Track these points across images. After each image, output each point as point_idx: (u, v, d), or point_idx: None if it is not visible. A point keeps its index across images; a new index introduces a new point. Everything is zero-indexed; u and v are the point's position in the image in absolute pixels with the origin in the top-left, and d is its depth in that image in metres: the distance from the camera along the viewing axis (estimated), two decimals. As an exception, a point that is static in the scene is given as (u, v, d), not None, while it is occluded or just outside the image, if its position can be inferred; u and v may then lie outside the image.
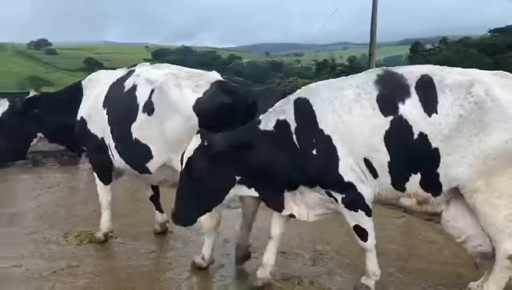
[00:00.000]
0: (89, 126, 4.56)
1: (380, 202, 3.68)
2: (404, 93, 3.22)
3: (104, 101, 4.46)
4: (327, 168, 3.32)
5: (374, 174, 3.32)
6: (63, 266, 4.23)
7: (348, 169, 3.30)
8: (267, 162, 3.44)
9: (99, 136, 4.49)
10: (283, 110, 3.49)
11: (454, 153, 3.11)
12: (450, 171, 3.14)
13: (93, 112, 4.53)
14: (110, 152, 4.45)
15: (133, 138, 4.12)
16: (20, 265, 4.23)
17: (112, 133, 4.34)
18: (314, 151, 3.33)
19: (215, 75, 4.14)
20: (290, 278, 4.02)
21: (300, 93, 3.55)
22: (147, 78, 4.19)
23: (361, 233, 3.48)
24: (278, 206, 3.64)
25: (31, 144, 4.94)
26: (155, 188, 5.03)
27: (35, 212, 5.95)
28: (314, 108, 3.37)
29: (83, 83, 4.83)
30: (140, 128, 4.07)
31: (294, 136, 3.39)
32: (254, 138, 3.47)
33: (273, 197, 3.61)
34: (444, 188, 3.23)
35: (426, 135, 3.14)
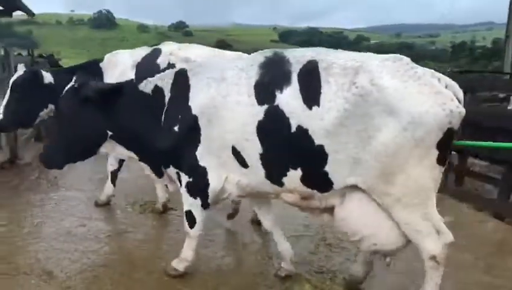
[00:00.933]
0: None
1: (260, 195, 3.40)
2: (284, 81, 2.86)
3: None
4: (184, 148, 3.19)
5: (243, 164, 3.08)
6: (118, 231, 4.57)
7: (206, 154, 3.16)
8: (138, 125, 3.36)
9: None
10: (163, 78, 3.36)
11: (344, 151, 2.75)
12: (341, 169, 2.80)
13: None
14: None
15: None
16: (84, 225, 4.67)
17: None
18: (175, 128, 3.20)
19: None
20: (324, 272, 3.78)
21: (186, 65, 3.44)
22: (185, 57, 4.30)
23: (191, 220, 3.44)
24: (157, 173, 3.59)
25: (40, 114, 4.89)
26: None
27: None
28: (190, 83, 3.20)
29: (102, 64, 4.88)
30: None
31: (166, 107, 3.29)
32: (129, 95, 3.40)
33: (151, 162, 3.54)
34: (337, 186, 2.89)
35: (306, 129, 2.79)
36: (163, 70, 4.33)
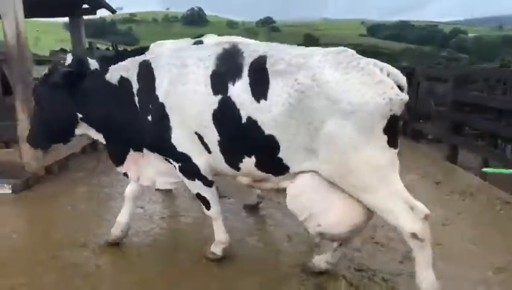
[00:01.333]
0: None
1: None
2: (236, 74, 3.02)
3: None
4: (160, 136, 3.32)
5: (208, 149, 3.27)
6: (171, 214, 4.82)
7: (181, 140, 3.29)
8: (104, 111, 3.54)
9: None
10: (128, 69, 3.47)
11: (296, 141, 2.92)
12: (296, 156, 2.97)
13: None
14: None
15: None
16: (142, 207, 4.97)
17: None
18: (149, 117, 3.34)
19: None
20: (363, 270, 3.64)
21: (150, 54, 3.60)
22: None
23: (203, 201, 3.60)
24: (116, 161, 3.77)
25: None
26: None
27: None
28: (154, 73, 3.34)
29: (147, 53, 4.86)
30: None
31: (136, 98, 3.41)
32: (96, 83, 3.59)
33: (114, 149, 3.73)
34: (292, 170, 3.05)
35: (256, 121, 2.96)
36: None
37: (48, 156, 6.26)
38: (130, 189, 4.00)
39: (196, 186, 3.52)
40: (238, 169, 3.25)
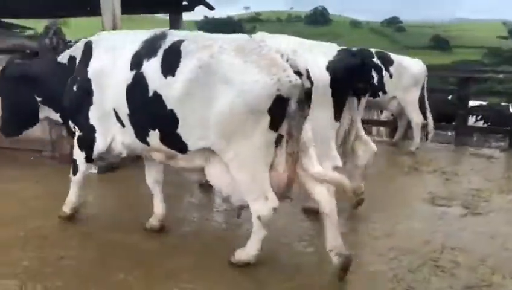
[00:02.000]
0: None
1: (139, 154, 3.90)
2: (152, 54, 3.36)
3: None
4: (79, 106, 3.80)
5: (122, 124, 3.64)
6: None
7: (96, 114, 3.77)
8: (55, 89, 3.98)
9: None
10: (76, 49, 3.98)
11: (192, 116, 3.20)
12: (192, 133, 3.26)
13: None
14: None
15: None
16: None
17: None
18: (75, 88, 3.81)
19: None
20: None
21: (95, 37, 3.95)
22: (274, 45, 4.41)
23: (74, 167, 4.10)
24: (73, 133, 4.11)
25: None
26: None
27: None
28: (92, 52, 3.78)
29: None
30: None
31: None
32: (50, 66, 4.16)
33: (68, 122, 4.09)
34: (191, 148, 3.35)
35: (160, 95, 3.28)
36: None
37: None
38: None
39: (78, 155, 4.04)
40: (147, 143, 3.56)
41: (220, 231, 4.42)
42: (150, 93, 3.33)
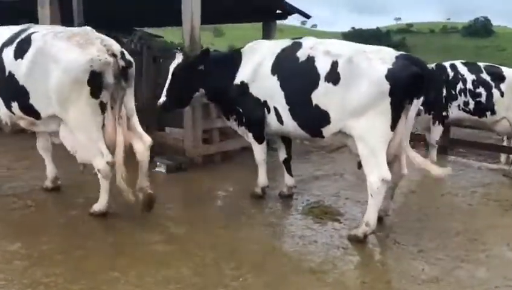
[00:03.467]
0: (251, 90, 4.91)
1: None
2: (10, 43, 4.41)
3: (272, 69, 4.74)
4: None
5: None
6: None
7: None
8: None
9: (262, 99, 4.86)
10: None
11: (38, 90, 4.24)
12: (41, 103, 4.28)
13: (258, 77, 4.85)
14: (273, 115, 4.81)
15: (313, 104, 4.40)
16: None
17: (285, 97, 4.64)
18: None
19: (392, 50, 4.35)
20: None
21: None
22: (326, 50, 4.42)
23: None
24: None
25: (194, 96, 5.30)
26: (289, 153, 5.35)
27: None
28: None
29: (243, 50, 5.16)
30: (324, 96, 4.34)
31: None
32: None
33: None
34: (43, 116, 4.38)
35: (14, 74, 4.31)
36: (302, 63, 4.54)
37: (210, 146, 6.92)
38: None
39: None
40: (13, 112, 4.51)
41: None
42: (7, 73, 4.34)
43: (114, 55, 4.03)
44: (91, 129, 4.14)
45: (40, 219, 4.45)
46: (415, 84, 4.06)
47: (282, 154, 5.38)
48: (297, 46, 4.71)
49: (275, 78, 4.71)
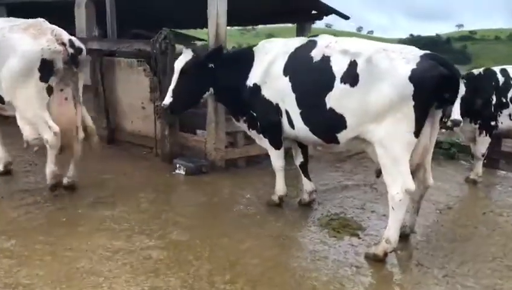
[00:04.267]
0: (263, 92, 4.57)
1: None
2: None
3: (284, 69, 4.40)
4: None
5: None
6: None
7: None
8: None
9: (274, 102, 4.51)
10: None
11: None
12: (2, 90, 4.76)
13: (269, 78, 4.52)
14: (285, 118, 4.48)
15: (327, 107, 4.03)
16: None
17: (297, 100, 4.29)
18: None
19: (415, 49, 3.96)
20: None
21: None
22: (343, 49, 4.04)
23: None
24: None
25: (204, 96, 5.08)
26: (305, 156, 5.03)
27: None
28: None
29: (255, 48, 4.81)
30: (338, 99, 3.97)
31: None
32: None
33: None
34: (6, 99, 4.79)
35: None
36: (317, 62, 4.16)
37: (234, 150, 6.66)
38: None
39: None
40: None
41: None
42: None
43: (63, 44, 4.56)
44: (39, 108, 4.57)
45: (42, 217, 4.37)
46: (441, 86, 3.63)
47: (299, 158, 5.06)
48: (312, 44, 4.34)
49: (287, 79, 4.37)
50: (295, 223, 4.59)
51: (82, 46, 4.77)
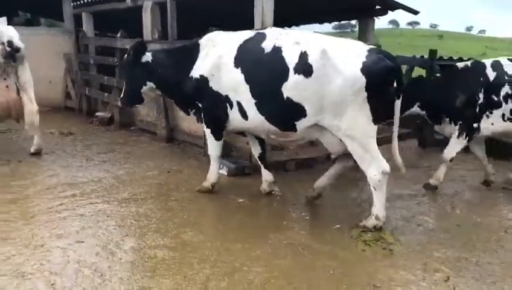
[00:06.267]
0: (210, 84, 4.66)
1: None
2: None
3: (235, 61, 4.49)
4: None
5: None
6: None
7: None
8: None
9: (223, 94, 4.62)
10: None
11: None
12: None
13: (218, 71, 4.59)
14: (236, 110, 4.57)
15: (284, 97, 4.17)
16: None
17: (251, 91, 4.39)
18: None
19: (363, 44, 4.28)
20: None
21: None
22: (293, 40, 4.22)
23: None
24: None
25: (141, 91, 5.09)
26: (263, 147, 5.15)
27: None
28: None
29: (201, 41, 4.87)
30: (294, 89, 4.12)
31: None
32: None
33: None
34: None
35: None
36: (269, 54, 4.27)
37: (281, 152, 6.43)
38: None
39: None
40: None
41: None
42: None
43: (2, 43, 5.75)
44: None
45: (72, 208, 4.54)
46: (389, 77, 3.99)
47: (257, 150, 5.18)
48: (261, 36, 4.46)
49: (239, 70, 4.46)
50: (322, 233, 4.23)
51: (21, 45, 5.86)
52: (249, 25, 5.86)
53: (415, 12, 7.21)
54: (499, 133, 5.70)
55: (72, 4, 11.27)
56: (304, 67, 4.05)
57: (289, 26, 11.27)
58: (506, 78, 5.47)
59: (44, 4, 11.99)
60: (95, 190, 5.11)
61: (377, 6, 7.13)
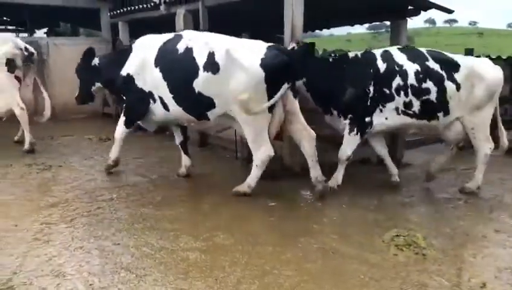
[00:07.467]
0: (136, 82, 5.42)
1: None
2: None
3: (155, 61, 5.23)
4: None
5: None
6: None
7: None
8: None
9: (147, 90, 5.38)
10: None
11: None
12: None
13: (143, 70, 5.33)
14: (159, 103, 5.32)
15: (196, 91, 4.92)
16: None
17: (168, 87, 5.13)
18: None
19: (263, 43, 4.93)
20: None
21: None
22: (203, 42, 4.95)
23: None
24: None
25: (92, 90, 6.17)
26: (184, 135, 6.00)
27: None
28: None
29: (134, 45, 5.66)
30: (204, 84, 4.86)
31: None
32: None
33: None
34: None
35: None
36: (182, 54, 5.02)
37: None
38: None
39: None
40: None
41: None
42: None
43: (20, 49, 6.97)
44: (12, 90, 6.92)
45: (108, 212, 4.72)
46: (284, 70, 4.68)
47: (179, 138, 5.98)
48: (177, 38, 5.18)
49: (158, 69, 5.17)
50: (352, 237, 4.20)
51: (34, 51, 7.27)
52: (282, 31, 5.90)
53: (450, 12, 7.05)
54: (395, 127, 5.42)
55: (109, 14, 11.69)
56: (212, 66, 4.77)
57: (320, 30, 11.26)
58: (397, 69, 5.14)
59: (84, 15, 12.49)
60: (131, 194, 5.27)
61: (409, 7, 7.00)
